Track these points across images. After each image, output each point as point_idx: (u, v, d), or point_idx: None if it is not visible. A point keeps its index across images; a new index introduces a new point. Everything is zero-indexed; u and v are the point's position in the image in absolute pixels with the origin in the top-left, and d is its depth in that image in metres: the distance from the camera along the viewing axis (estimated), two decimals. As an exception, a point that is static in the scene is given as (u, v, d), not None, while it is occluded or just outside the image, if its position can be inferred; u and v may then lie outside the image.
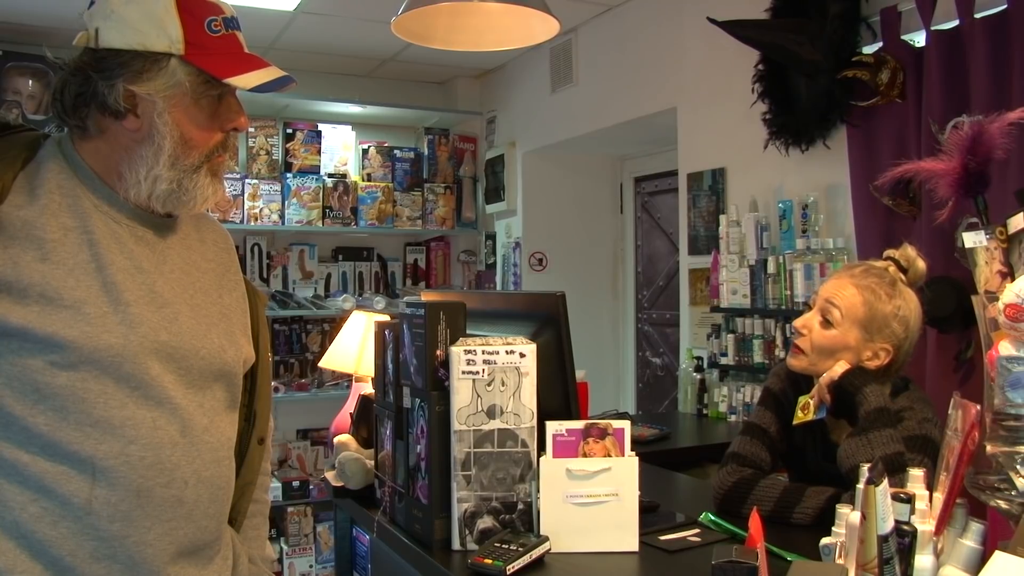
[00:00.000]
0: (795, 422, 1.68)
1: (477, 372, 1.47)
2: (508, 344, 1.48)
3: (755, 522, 1.15)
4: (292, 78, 1.26)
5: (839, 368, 1.63)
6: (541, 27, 2.07)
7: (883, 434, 1.53)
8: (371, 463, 1.82)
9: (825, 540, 1.30)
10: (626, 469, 1.47)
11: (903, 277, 1.69)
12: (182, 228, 1.31)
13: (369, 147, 4.77)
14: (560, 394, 1.62)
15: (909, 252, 1.72)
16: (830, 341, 1.66)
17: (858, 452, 1.52)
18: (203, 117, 1.22)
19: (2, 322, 1.10)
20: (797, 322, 1.71)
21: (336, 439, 1.92)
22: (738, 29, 2.82)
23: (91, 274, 1.15)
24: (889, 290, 1.65)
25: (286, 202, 4.45)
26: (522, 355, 1.47)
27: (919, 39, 2.54)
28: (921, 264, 1.71)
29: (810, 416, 1.64)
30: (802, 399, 1.68)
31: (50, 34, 3.62)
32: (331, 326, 4.61)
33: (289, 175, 4.48)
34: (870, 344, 1.65)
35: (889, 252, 1.74)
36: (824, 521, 1.51)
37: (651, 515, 1.65)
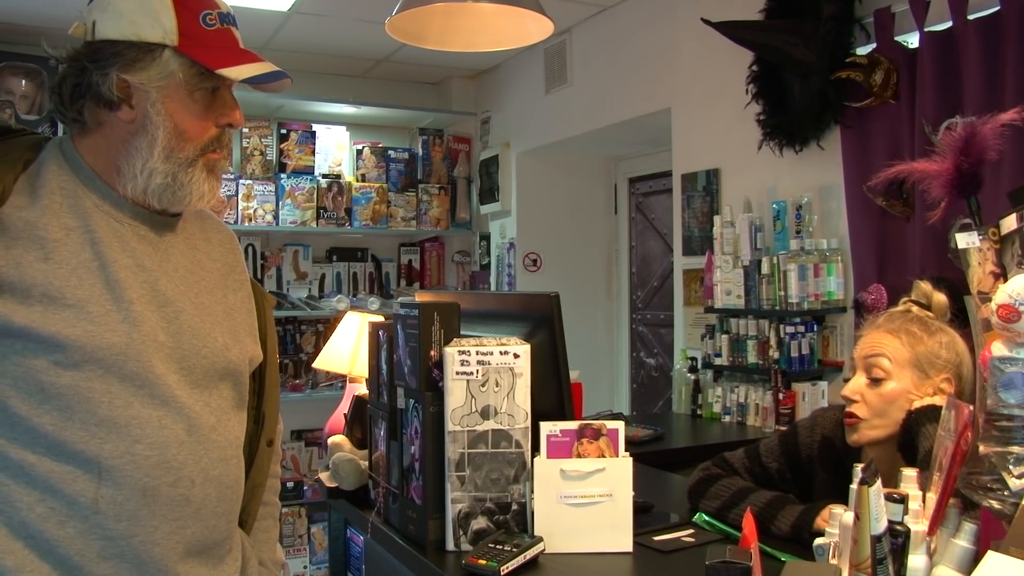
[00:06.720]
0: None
1: (471, 373, 1.47)
2: (502, 345, 1.48)
3: (749, 522, 1.15)
4: (286, 73, 1.26)
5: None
6: (535, 28, 2.07)
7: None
8: (365, 464, 1.82)
9: (819, 540, 1.30)
10: (620, 470, 1.47)
11: (929, 314, 1.61)
12: (187, 228, 1.31)
13: (363, 147, 4.76)
14: (554, 395, 1.62)
15: (923, 287, 1.64)
16: (888, 396, 1.54)
17: None
18: (197, 109, 1.22)
19: (6, 322, 1.10)
20: (845, 391, 1.59)
21: (330, 440, 1.92)
22: (732, 30, 2.82)
23: (94, 272, 1.16)
24: (921, 326, 1.57)
25: (280, 203, 4.44)
26: (516, 356, 1.47)
27: (912, 40, 2.55)
28: (941, 297, 1.62)
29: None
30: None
31: (44, 34, 3.59)
32: (325, 327, 4.60)
33: (283, 176, 4.47)
34: (928, 381, 1.54)
35: (904, 297, 1.66)
36: (764, 522, 1.51)
37: (645, 515, 1.66)
